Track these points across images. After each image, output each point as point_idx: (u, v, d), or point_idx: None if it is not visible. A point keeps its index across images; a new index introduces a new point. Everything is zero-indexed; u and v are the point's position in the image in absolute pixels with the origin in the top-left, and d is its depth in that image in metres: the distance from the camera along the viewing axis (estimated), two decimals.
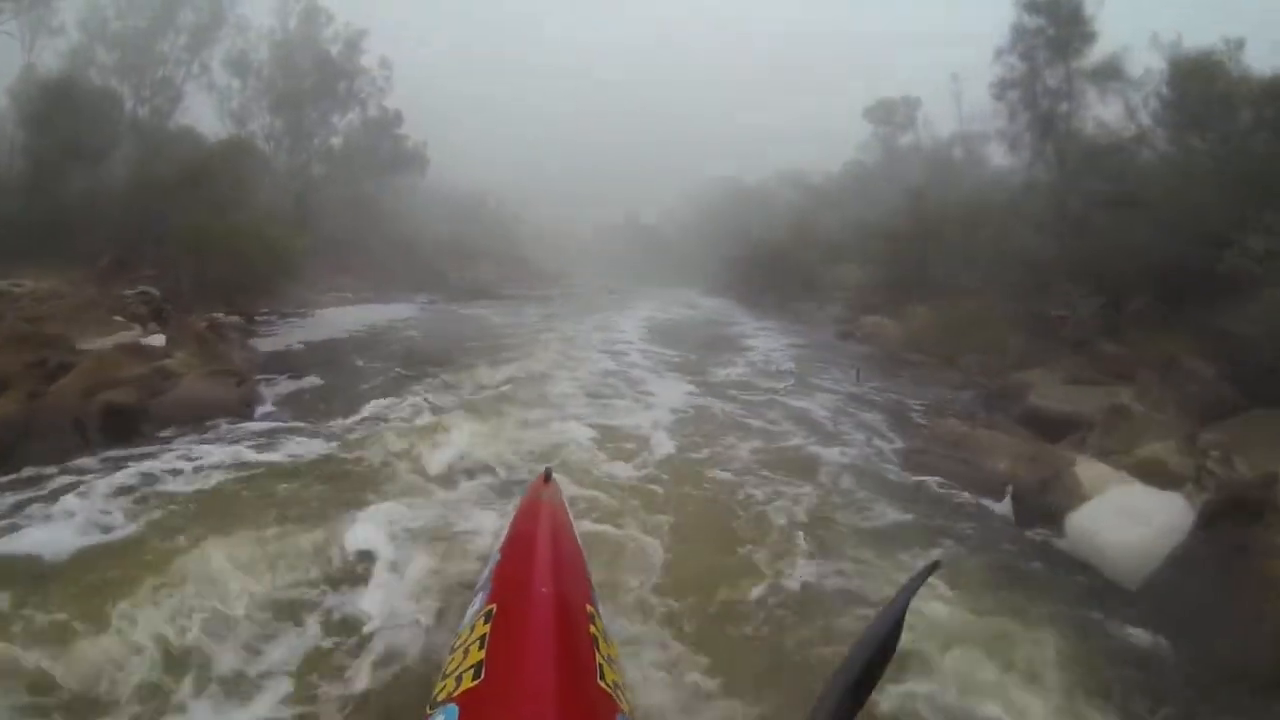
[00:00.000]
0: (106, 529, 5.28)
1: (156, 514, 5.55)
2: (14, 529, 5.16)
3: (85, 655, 3.61)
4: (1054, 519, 6.36)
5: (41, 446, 6.79)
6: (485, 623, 2.19)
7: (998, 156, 25.55)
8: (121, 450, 7.04)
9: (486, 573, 2.97)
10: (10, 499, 5.73)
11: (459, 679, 1.87)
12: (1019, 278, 15.69)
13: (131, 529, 5.30)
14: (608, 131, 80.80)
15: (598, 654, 2.09)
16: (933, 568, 1.51)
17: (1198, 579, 5.00)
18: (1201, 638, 4.51)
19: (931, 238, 22.41)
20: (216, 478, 6.44)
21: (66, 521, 5.32)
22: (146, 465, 6.61)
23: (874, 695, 1.25)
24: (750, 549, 5.56)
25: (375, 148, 35.06)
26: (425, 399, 10.13)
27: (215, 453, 7.13)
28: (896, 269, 24.08)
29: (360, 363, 13.38)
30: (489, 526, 5.30)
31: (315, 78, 31.50)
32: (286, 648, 3.85)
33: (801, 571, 5.21)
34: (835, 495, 7.07)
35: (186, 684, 3.50)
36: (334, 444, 7.82)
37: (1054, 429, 9.12)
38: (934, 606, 4.48)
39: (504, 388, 11.34)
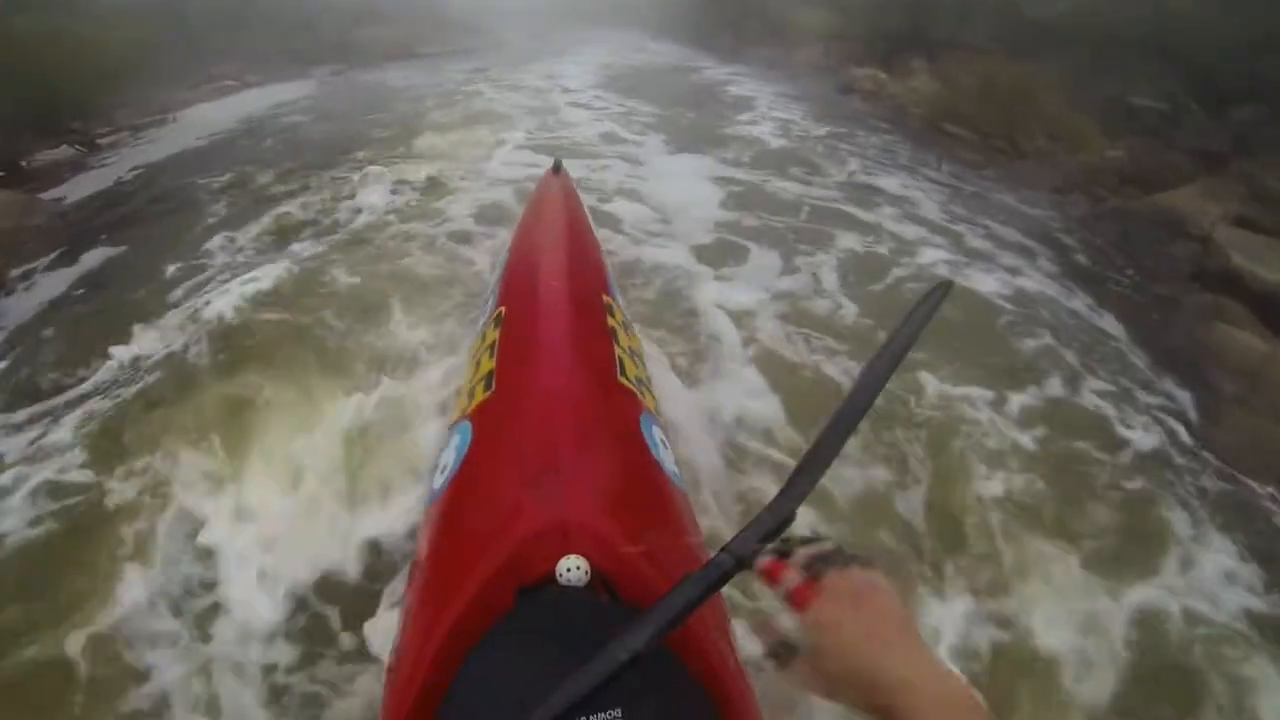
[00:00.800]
0: None
1: None
2: None
3: None
4: None
5: None
6: (495, 328, 2.10)
7: None
8: None
9: (496, 274, 2.83)
10: None
11: (471, 394, 1.81)
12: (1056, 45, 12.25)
13: None
14: None
15: (617, 348, 1.98)
16: (945, 288, 1.33)
17: None
18: None
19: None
20: None
21: None
22: None
23: None
24: None
25: None
26: (290, 255, 6.50)
27: None
28: (882, 17, 20.25)
29: (208, 187, 9.07)
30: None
31: None
32: None
33: None
34: None
35: None
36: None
37: None
38: None
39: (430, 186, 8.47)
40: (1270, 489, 4.38)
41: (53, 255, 7.07)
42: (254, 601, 2.95)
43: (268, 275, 5.77)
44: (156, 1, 21.63)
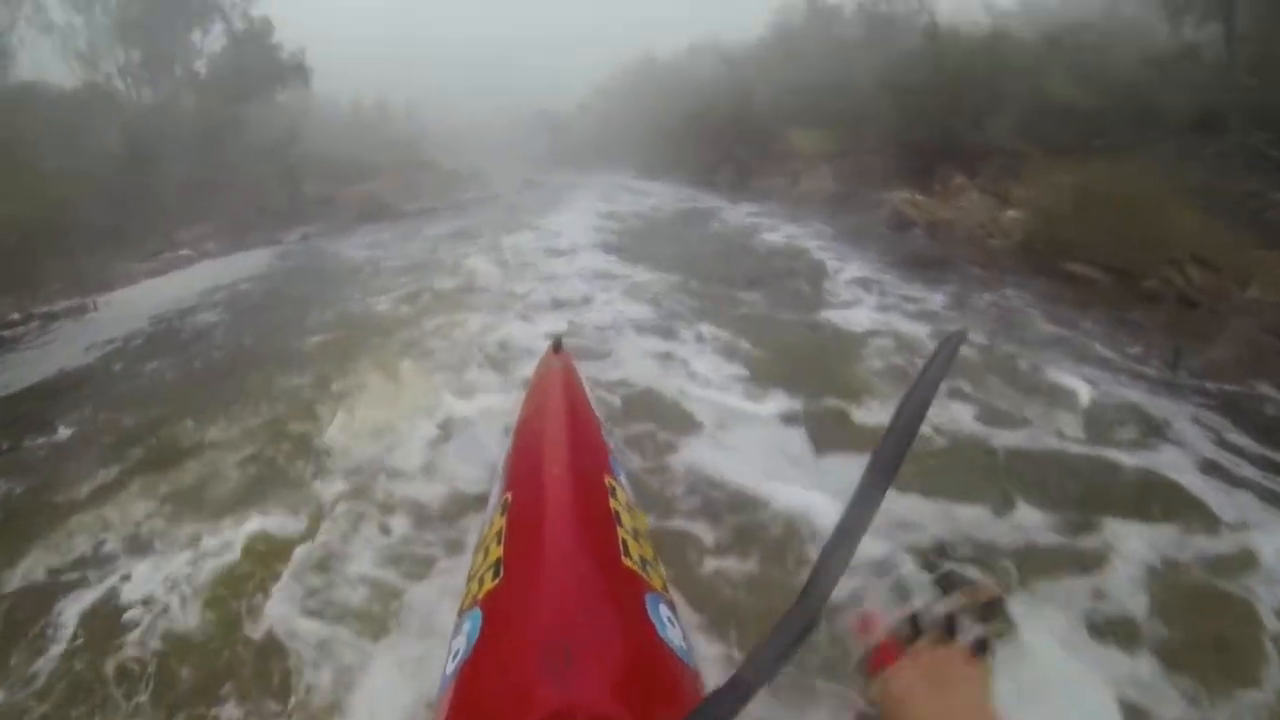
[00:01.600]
0: None
1: None
2: None
3: None
4: None
5: None
6: (502, 515, 2.02)
7: None
8: None
9: (502, 461, 2.74)
10: None
11: (481, 580, 1.75)
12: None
13: None
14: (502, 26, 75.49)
15: (620, 530, 1.89)
16: (960, 337, 1.16)
17: None
18: None
19: (962, 86, 17.57)
20: None
21: None
22: None
23: None
24: None
25: (245, 65, 27.86)
26: None
27: None
28: (889, 128, 19.13)
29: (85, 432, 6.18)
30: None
31: None
32: None
33: None
34: None
35: None
36: None
37: None
38: None
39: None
40: None
41: None
42: None
43: None
44: (129, 156, 20.44)
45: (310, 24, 32.69)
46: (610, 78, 63.45)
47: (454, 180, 39.06)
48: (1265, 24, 10.60)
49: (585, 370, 4.39)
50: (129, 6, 25.14)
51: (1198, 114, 10.60)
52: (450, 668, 1.64)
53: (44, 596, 3.74)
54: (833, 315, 7.91)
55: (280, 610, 3.38)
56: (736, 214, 17.40)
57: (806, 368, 6.36)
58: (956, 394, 5.52)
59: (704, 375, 6.23)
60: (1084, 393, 5.62)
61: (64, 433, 6.09)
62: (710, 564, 3.56)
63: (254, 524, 4.12)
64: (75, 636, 3.47)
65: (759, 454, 4.73)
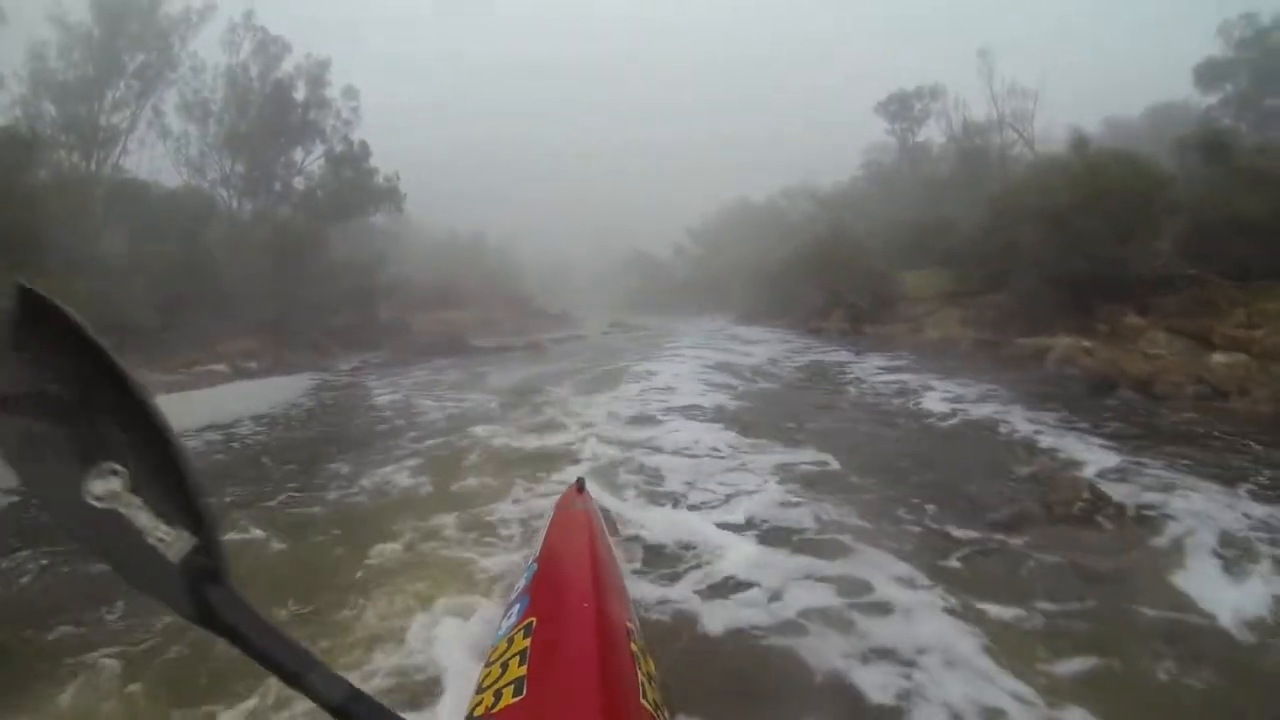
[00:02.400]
0: None
1: None
2: None
3: None
4: None
5: None
6: (525, 637, 1.96)
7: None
8: None
9: (523, 583, 2.64)
10: None
11: (498, 694, 1.69)
12: None
13: None
14: (600, 174, 76.29)
15: (639, 672, 1.86)
16: None
17: None
18: None
19: (1118, 207, 14.84)
20: None
21: None
22: None
23: None
24: None
25: (341, 185, 28.04)
26: None
27: None
28: (1054, 262, 15.58)
29: None
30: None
31: (270, 109, 26.30)
32: None
33: None
34: None
35: None
36: None
37: None
38: None
39: None
40: None
41: None
42: None
43: None
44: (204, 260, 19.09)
45: (408, 152, 33.36)
46: (705, 220, 62.15)
47: (539, 318, 37.08)
48: None
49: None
50: (238, 121, 25.95)
51: None
52: None
53: None
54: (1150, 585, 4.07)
55: None
56: (867, 369, 13.88)
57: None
58: None
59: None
60: None
61: None
62: None
63: None
64: None
65: None
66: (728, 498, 5.57)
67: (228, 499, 5.83)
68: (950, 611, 3.64)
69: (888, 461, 6.65)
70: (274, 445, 8.20)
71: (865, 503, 5.39)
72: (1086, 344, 13.70)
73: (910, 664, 3.14)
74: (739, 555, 4.39)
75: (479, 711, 1.68)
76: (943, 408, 9.29)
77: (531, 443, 7.57)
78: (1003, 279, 19.94)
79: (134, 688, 3.08)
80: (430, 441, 7.92)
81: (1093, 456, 6.54)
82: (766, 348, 19.11)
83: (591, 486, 3.73)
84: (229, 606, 0.68)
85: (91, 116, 22.16)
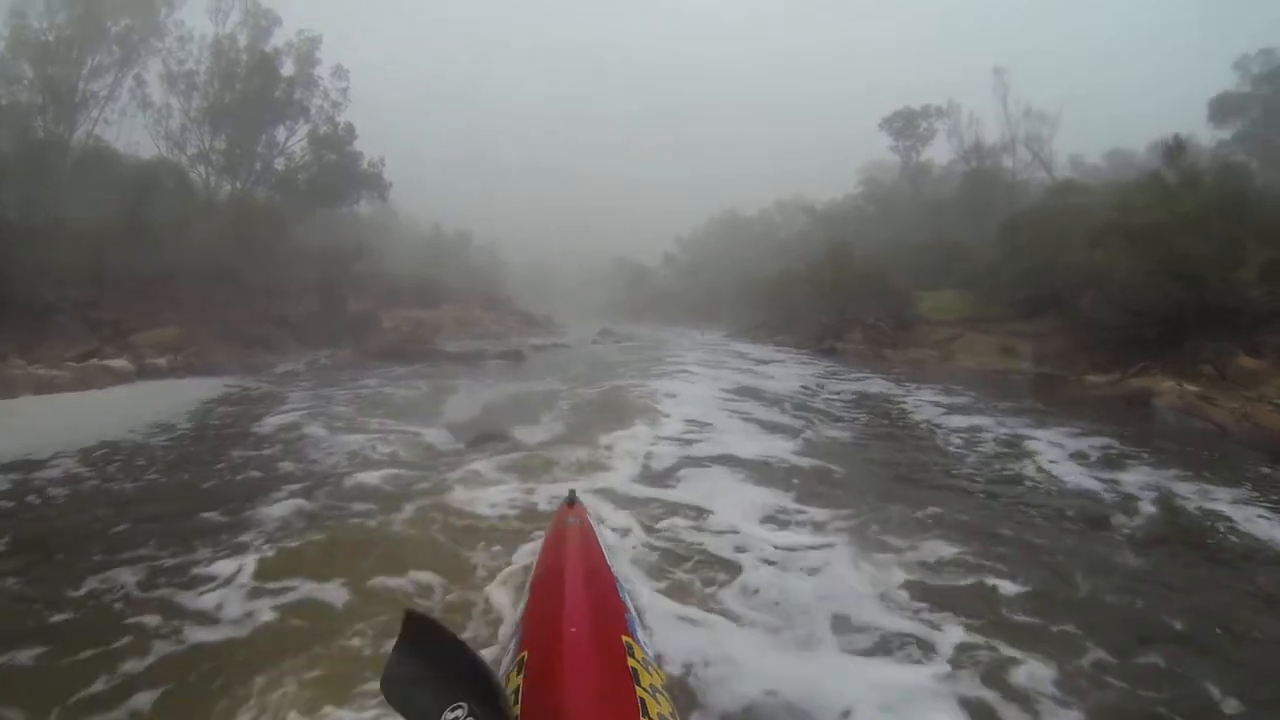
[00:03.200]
0: None
1: None
2: None
3: None
4: None
5: None
6: (518, 673, 1.94)
7: None
8: None
9: (517, 616, 2.69)
10: None
11: None
12: None
13: None
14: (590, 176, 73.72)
15: (639, 689, 1.82)
16: None
17: None
18: None
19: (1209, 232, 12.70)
20: None
21: None
22: None
23: None
24: None
25: (321, 168, 25.89)
26: None
27: None
28: (1145, 288, 13.14)
29: None
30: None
31: (254, 84, 24.08)
32: None
33: None
34: None
35: None
36: None
37: None
38: None
39: None
40: None
41: None
42: None
43: None
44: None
45: (400, 143, 31.14)
46: (694, 230, 59.71)
47: (522, 321, 34.11)
48: None
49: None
50: (222, 94, 23.87)
51: None
52: None
53: None
54: None
55: None
56: (922, 404, 10.91)
57: None
58: None
59: None
60: None
61: None
62: None
63: None
64: None
65: None
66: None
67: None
68: None
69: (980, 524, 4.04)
70: (65, 511, 4.95)
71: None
72: (1191, 388, 10.99)
73: None
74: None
75: None
76: (1087, 480, 6.31)
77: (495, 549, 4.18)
78: (1039, 305, 17.57)
79: None
80: (306, 525, 4.56)
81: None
82: (784, 369, 16.16)
83: (584, 497, 3.72)
84: None
85: (70, 81, 20.49)
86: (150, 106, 22.80)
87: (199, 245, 17.68)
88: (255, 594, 3.42)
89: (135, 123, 22.39)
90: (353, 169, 26.53)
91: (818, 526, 4.63)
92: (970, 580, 3.84)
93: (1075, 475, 6.49)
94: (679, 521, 4.64)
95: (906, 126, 37.94)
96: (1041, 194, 25.73)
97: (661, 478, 5.76)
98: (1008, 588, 3.73)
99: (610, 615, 2.30)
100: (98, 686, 2.67)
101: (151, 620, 3.16)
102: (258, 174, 25.02)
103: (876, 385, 13.26)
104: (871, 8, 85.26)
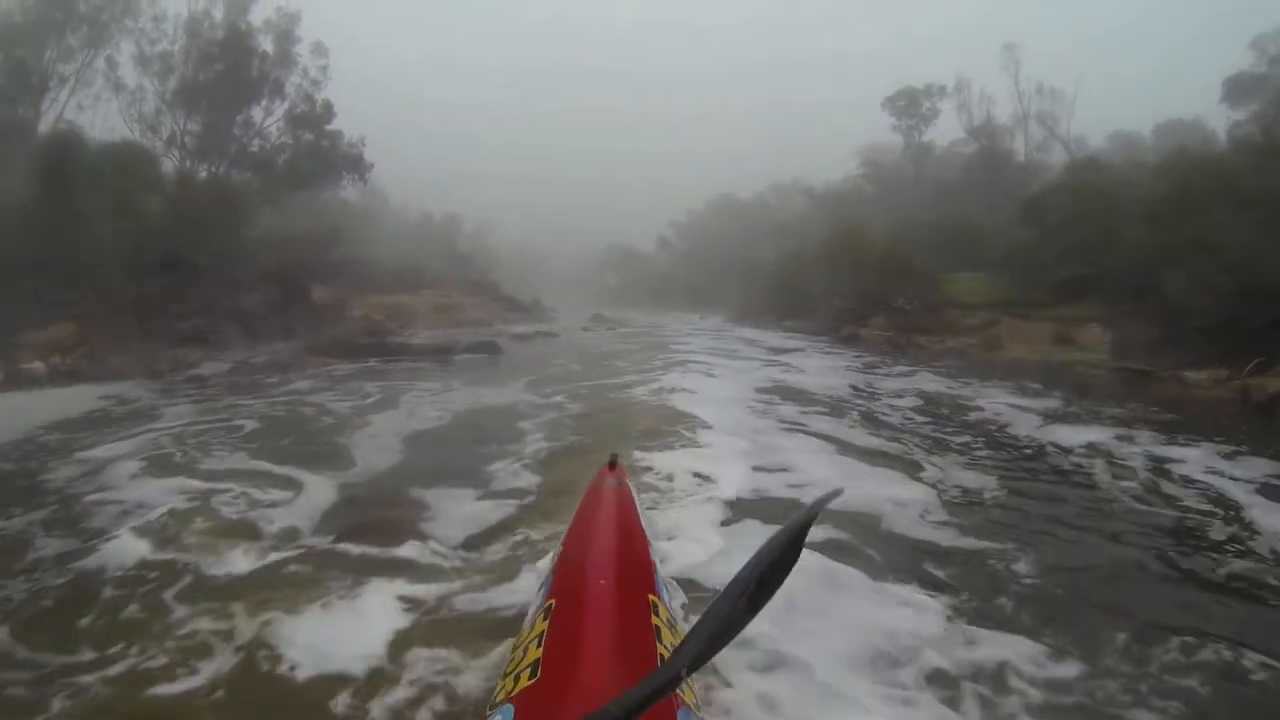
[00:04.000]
0: None
1: None
2: None
3: None
4: None
5: None
6: (544, 619, 1.87)
7: None
8: None
9: (549, 565, 2.64)
10: None
11: (516, 678, 1.63)
12: None
13: None
14: (584, 156, 70.41)
15: (660, 646, 1.76)
16: (834, 494, 1.23)
17: None
18: None
19: None
20: None
21: None
22: None
23: None
24: None
25: (299, 149, 24.04)
26: None
27: None
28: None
29: None
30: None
31: (228, 61, 22.30)
32: None
33: None
34: None
35: None
36: None
37: None
38: None
39: None
40: None
41: None
42: None
43: None
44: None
45: (387, 124, 30.16)
46: (690, 214, 56.74)
47: (507, 307, 31.06)
48: None
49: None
50: (196, 75, 22.21)
51: None
52: None
53: None
54: None
55: None
56: (1007, 410, 8.18)
57: None
58: None
59: None
60: None
61: None
62: None
63: None
64: None
65: None
66: None
67: None
68: None
69: None
70: None
71: None
72: None
73: None
74: None
75: (499, 696, 1.63)
76: None
77: None
78: (1087, 286, 14.99)
79: None
80: None
81: None
82: (810, 360, 13.47)
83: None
84: None
85: (39, 63, 19.37)
86: (123, 89, 21.35)
87: (147, 232, 15.09)
88: None
89: (109, 107, 21.05)
90: (331, 150, 24.48)
91: None
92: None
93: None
94: None
95: (910, 106, 35.79)
96: (1058, 173, 23.27)
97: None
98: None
99: (639, 573, 2.19)
100: None
101: None
102: (233, 157, 23.00)
103: (931, 382, 10.54)
104: (869, 10, 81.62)
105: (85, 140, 18.22)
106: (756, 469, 5.11)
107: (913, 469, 5.39)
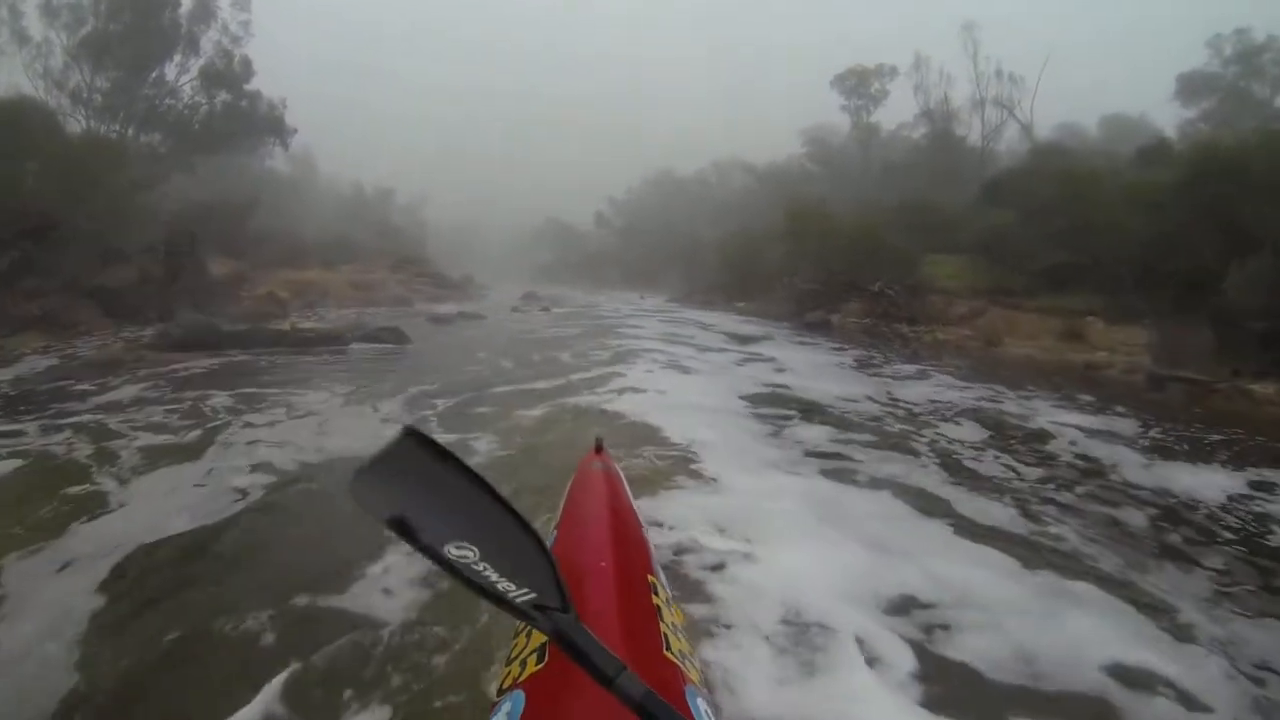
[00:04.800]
0: None
1: None
2: None
3: None
4: None
5: None
6: None
7: None
8: None
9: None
10: None
11: (524, 663, 1.52)
12: None
13: None
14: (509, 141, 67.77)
15: (662, 624, 1.64)
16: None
17: None
18: None
19: None
20: None
21: None
22: None
23: None
24: None
25: (213, 109, 21.87)
26: None
27: None
28: None
29: None
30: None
31: (139, 10, 20.30)
32: None
33: None
34: None
35: None
36: None
37: None
38: None
39: None
40: None
41: None
42: None
43: None
44: None
45: (316, 91, 29.61)
46: (629, 189, 53.95)
47: (433, 285, 27.75)
48: None
49: None
50: (108, 25, 20.23)
51: None
52: None
53: None
54: None
55: None
56: (1072, 433, 5.98)
57: None
58: None
59: None
60: None
61: None
62: None
63: None
64: None
65: None
66: None
67: None
68: None
69: None
70: None
71: None
72: None
73: None
74: None
75: (506, 683, 1.53)
76: None
77: None
78: (1081, 275, 13.00)
79: None
80: None
81: None
82: (786, 353, 11.00)
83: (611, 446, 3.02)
84: (570, 628, 0.86)
85: None
86: (28, 42, 19.80)
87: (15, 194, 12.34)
88: None
89: (12, 63, 19.59)
90: (250, 111, 22.32)
91: None
92: None
93: None
94: None
95: (859, 85, 34.50)
96: (1022, 157, 21.78)
97: None
98: None
99: (637, 553, 2.04)
100: None
101: None
102: (143, 117, 20.87)
103: (957, 390, 8.10)
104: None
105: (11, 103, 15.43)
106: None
107: (1157, 610, 2.90)
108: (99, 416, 5.75)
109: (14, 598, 2.71)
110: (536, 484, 3.78)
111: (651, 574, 1.95)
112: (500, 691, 1.49)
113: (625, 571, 1.82)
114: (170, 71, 21.31)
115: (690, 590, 2.75)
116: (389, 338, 10.06)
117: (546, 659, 1.46)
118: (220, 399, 6.36)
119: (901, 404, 7.06)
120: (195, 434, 5.16)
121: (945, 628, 2.56)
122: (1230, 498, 4.46)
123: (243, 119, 22.18)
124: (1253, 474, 5.08)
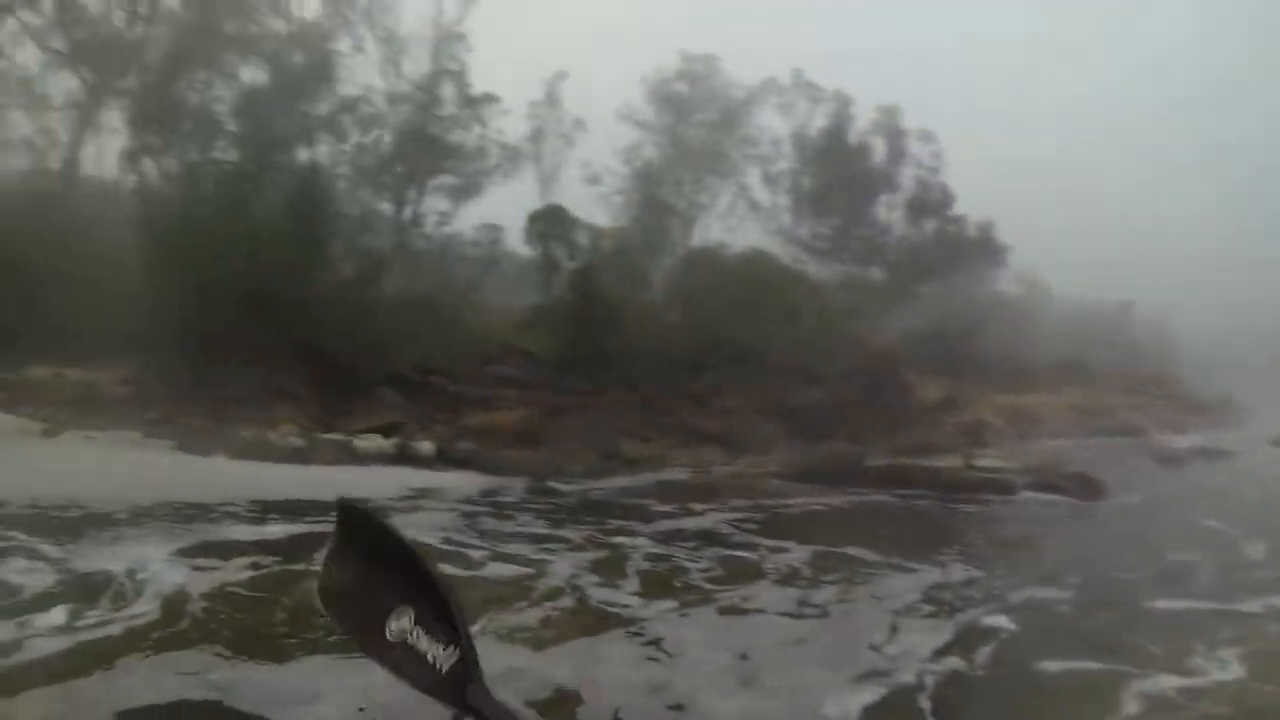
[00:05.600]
0: None
1: None
2: None
3: None
4: None
5: None
6: None
7: None
8: None
9: None
10: None
11: None
12: None
13: None
14: None
15: None
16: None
17: None
18: None
19: None
20: None
21: None
22: None
23: None
24: None
25: (922, 239, 24.36)
26: None
27: None
28: None
29: None
30: None
31: (857, 169, 23.53)
32: None
33: None
34: None
35: None
36: None
37: None
38: None
39: None
40: None
41: None
42: None
43: None
44: None
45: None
46: None
47: (1176, 407, 23.27)
48: None
49: None
50: (817, 183, 23.71)
51: None
52: None
53: None
54: None
55: None
56: None
57: None
58: None
59: None
60: None
61: None
62: None
63: None
64: None
65: None
66: None
67: None
68: None
69: None
70: None
71: None
72: None
73: None
74: None
75: None
76: None
77: None
78: None
79: None
80: None
81: None
82: None
83: None
84: (480, 697, 0.81)
85: (681, 204, 22.94)
86: (759, 208, 23.48)
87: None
88: None
89: (752, 226, 23.30)
90: (957, 236, 24.14)
91: None
92: None
93: None
94: None
95: None
96: None
97: None
98: None
99: None
100: None
101: None
102: (861, 253, 23.86)
103: None
104: None
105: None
106: None
107: None
108: (635, 541, 5.77)
109: None
110: None
111: None
112: None
113: None
114: (879, 211, 23.92)
115: None
116: (1071, 488, 8.41)
117: None
118: (794, 555, 5.87)
119: None
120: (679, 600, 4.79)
121: None
122: None
123: (950, 245, 23.77)
124: None
